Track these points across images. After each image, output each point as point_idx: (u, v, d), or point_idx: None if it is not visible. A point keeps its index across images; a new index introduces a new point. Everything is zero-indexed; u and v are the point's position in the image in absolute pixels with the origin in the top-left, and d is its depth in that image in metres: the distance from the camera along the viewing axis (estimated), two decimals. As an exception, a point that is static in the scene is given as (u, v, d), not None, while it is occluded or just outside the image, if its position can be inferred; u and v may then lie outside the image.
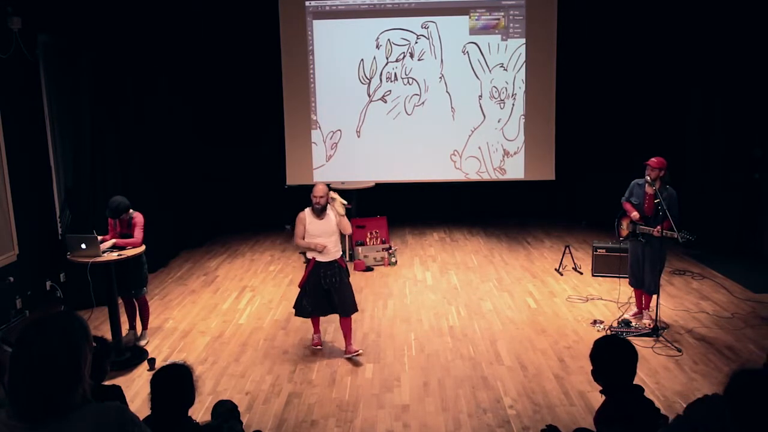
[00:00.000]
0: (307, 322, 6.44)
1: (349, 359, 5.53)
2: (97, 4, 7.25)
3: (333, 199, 5.53)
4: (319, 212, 5.44)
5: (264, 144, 10.20)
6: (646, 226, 5.89)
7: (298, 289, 5.70)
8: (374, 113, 9.94)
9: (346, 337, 5.63)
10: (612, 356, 2.83)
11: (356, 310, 5.68)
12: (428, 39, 9.76)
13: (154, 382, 2.81)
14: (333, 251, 5.50)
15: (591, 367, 2.91)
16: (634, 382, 2.86)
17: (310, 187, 5.17)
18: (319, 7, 9.72)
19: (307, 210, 5.53)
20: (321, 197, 5.45)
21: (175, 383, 2.80)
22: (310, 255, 5.54)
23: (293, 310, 6.86)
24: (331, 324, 6.35)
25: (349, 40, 9.77)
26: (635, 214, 5.96)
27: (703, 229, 5.94)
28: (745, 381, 2.09)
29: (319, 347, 5.80)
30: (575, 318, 6.37)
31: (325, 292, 5.53)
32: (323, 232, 5.45)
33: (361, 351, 5.60)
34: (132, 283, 5.90)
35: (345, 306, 5.55)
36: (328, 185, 5.66)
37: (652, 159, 5.84)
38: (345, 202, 5.57)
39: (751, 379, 2.08)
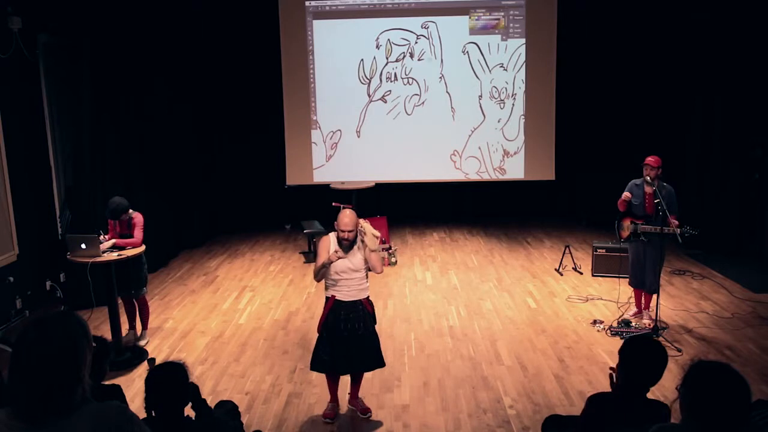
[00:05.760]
0: (310, 324, 6.44)
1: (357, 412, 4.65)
2: (97, 4, 7.24)
3: (363, 229, 4.48)
4: (346, 249, 4.37)
5: (264, 144, 10.20)
6: (648, 225, 5.90)
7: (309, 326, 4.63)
8: (374, 113, 9.94)
9: (353, 387, 4.69)
10: (645, 359, 2.77)
11: (381, 365, 4.61)
12: (428, 39, 9.76)
13: (148, 382, 2.79)
14: (357, 289, 4.43)
15: (617, 361, 2.85)
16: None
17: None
18: (319, 7, 9.71)
19: (333, 236, 4.48)
20: (349, 231, 4.33)
21: (168, 381, 2.78)
22: (329, 292, 4.47)
23: (293, 311, 6.82)
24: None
25: (349, 40, 9.77)
26: (627, 195, 5.95)
27: (703, 229, 5.94)
28: (699, 371, 2.14)
29: (329, 420, 4.54)
30: (575, 318, 6.37)
31: (344, 340, 4.40)
32: (348, 267, 4.38)
33: (368, 415, 4.61)
34: (132, 283, 5.89)
35: (365, 359, 4.51)
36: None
37: (650, 158, 5.84)
38: (377, 234, 4.52)
39: (705, 370, 2.13)
